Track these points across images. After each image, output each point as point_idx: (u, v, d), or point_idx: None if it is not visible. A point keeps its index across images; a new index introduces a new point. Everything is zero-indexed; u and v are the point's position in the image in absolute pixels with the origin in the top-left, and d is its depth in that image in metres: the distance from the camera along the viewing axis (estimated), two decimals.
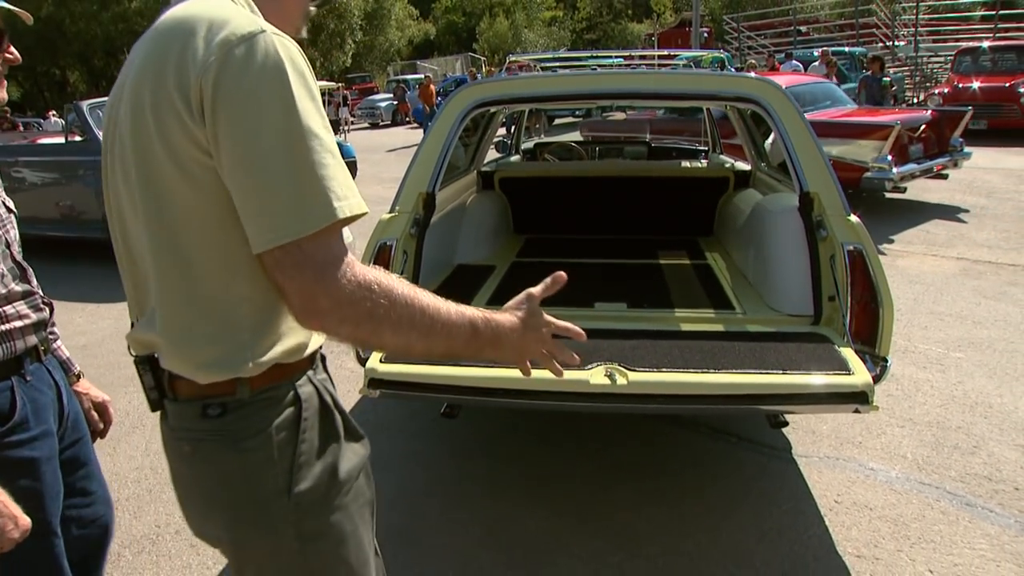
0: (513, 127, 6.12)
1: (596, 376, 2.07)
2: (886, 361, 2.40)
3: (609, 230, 4.35)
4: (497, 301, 2.95)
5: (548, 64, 4.81)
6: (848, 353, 2.16)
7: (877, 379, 2.41)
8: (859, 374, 1.99)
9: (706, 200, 4.20)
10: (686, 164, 4.20)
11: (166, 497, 2.91)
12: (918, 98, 12.70)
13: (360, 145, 14.80)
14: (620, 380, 2.04)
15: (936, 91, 10.92)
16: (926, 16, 19.32)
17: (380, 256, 2.73)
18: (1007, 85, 11.68)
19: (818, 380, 1.97)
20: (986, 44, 14.23)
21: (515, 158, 5.98)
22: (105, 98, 8.08)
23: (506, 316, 1.14)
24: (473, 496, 2.79)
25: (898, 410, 3.37)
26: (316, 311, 0.93)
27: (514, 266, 3.55)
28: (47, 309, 1.49)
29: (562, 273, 1.20)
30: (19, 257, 1.45)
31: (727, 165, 4.34)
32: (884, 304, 2.39)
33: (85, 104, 7.58)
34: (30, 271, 1.48)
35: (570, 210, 4.39)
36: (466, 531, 2.58)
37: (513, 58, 4.50)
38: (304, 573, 1.10)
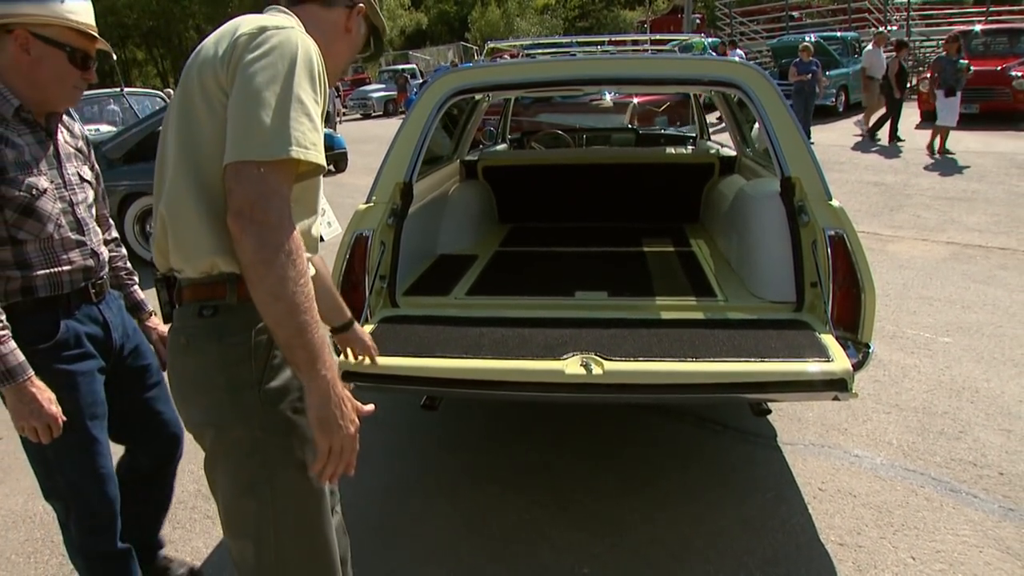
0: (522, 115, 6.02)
1: (571, 366, 2.04)
2: (868, 347, 2.38)
3: (595, 218, 4.31)
4: (479, 291, 2.91)
5: (530, 51, 4.76)
6: (828, 340, 2.13)
7: (859, 365, 2.38)
8: (839, 361, 1.96)
9: (692, 187, 4.17)
10: (671, 151, 4.17)
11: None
12: (910, 83, 12.62)
13: (352, 136, 14.71)
14: (596, 370, 2.01)
15: (928, 75, 10.86)
16: (918, 0, 19.24)
17: (357, 247, 2.69)
18: (999, 69, 11.62)
19: (796, 368, 1.94)
20: (978, 27, 14.17)
21: (502, 146, 5.94)
22: (97, 91, 7.96)
23: (342, 384, 1.24)
24: (455, 488, 2.77)
25: (884, 396, 3.36)
26: (244, 216, 1.12)
27: (497, 255, 3.52)
28: (98, 259, 1.80)
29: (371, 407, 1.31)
30: (85, 215, 1.78)
31: (712, 151, 4.30)
32: (866, 289, 2.36)
33: None
34: (92, 228, 1.80)
35: (555, 198, 4.35)
36: (447, 523, 2.56)
37: (493, 45, 4.44)
38: (263, 464, 1.29)
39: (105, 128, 7.63)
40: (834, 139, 11.50)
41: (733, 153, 4.17)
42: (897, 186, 8.23)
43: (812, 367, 1.94)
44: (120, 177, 6.83)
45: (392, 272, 2.80)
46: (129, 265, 2.10)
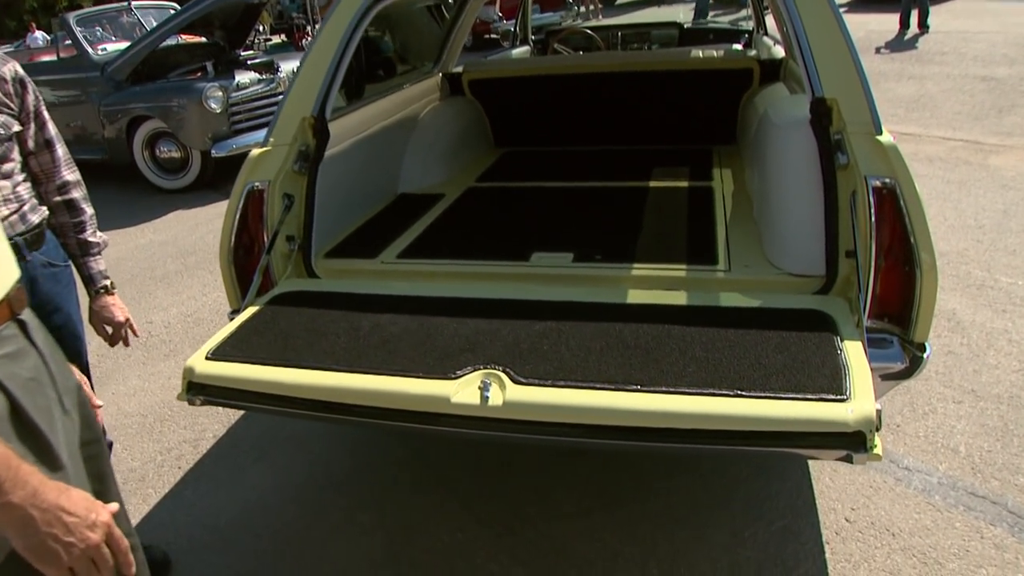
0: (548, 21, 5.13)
1: (464, 389, 1.44)
2: (923, 350, 1.66)
3: (608, 139, 3.55)
4: (416, 250, 2.30)
5: None
6: (853, 354, 1.43)
7: (908, 373, 1.68)
8: (859, 400, 1.28)
9: (727, 99, 3.31)
10: (702, 53, 3.30)
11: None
12: None
13: None
14: (493, 398, 1.40)
15: None
16: None
17: (251, 203, 2.12)
18: None
19: (785, 411, 1.27)
20: None
21: (521, 50, 5.11)
22: (104, 6, 7.50)
23: (55, 485, 0.94)
24: (386, 494, 2.29)
25: (958, 376, 2.59)
26: None
27: (467, 195, 2.87)
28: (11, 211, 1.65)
29: None
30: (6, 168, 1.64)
31: (752, 53, 3.38)
32: (923, 266, 1.62)
33: (71, 16, 7.07)
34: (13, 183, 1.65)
35: (557, 117, 3.59)
36: (369, 539, 2.10)
37: None
38: None
39: (113, 47, 7.19)
40: (939, 22, 9.76)
41: (782, 54, 3.25)
42: (1011, 81, 6.82)
43: (810, 410, 1.26)
44: (126, 99, 6.45)
45: (306, 232, 2.23)
46: (90, 230, 1.87)
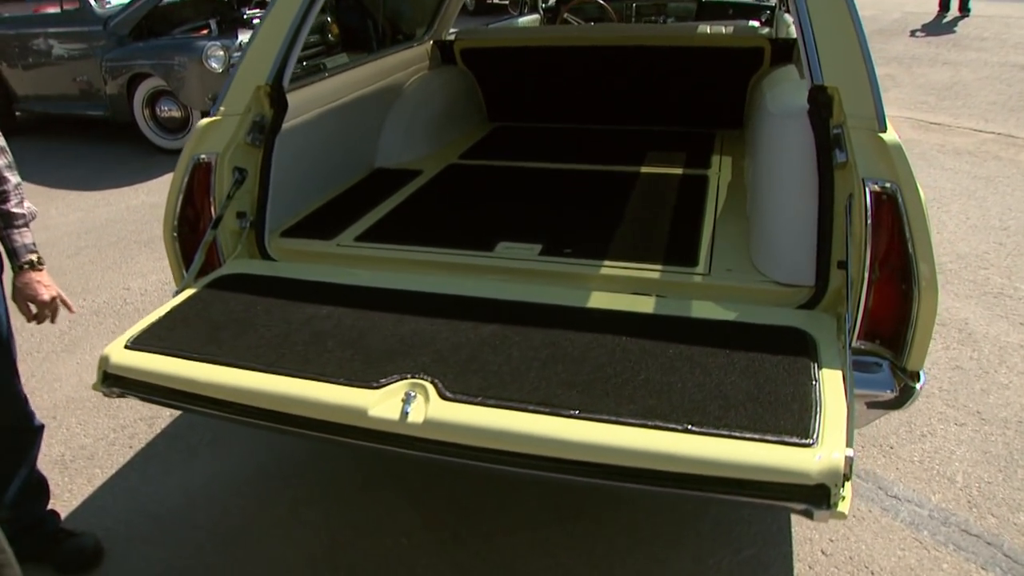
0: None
1: (385, 401, 1.29)
2: (917, 379, 1.47)
3: (607, 118, 3.33)
4: (376, 233, 2.13)
5: None
6: (831, 386, 1.24)
7: (897, 403, 1.50)
8: (827, 446, 1.10)
9: (735, 80, 3.07)
10: (707, 30, 3.06)
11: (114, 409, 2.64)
12: None
13: None
14: (414, 414, 1.25)
15: None
16: None
17: (197, 176, 1.96)
18: None
19: (739, 454, 1.10)
20: None
21: (530, 18, 4.85)
22: None
23: None
24: (336, 489, 2.16)
25: (963, 394, 2.39)
26: None
27: (445, 172, 2.68)
28: None
29: None
30: None
31: (765, 32, 3.13)
32: (922, 285, 1.42)
33: None
34: None
35: (557, 92, 3.37)
36: (311, 538, 1.98)
37: None
38: None
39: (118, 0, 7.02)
40: (981, 6, 9.26)
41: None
42: None
43: (768, 455, 1.09)
44: (128, 56, 6.29)
45: (259, 208, 2.07)
46: (13, 201, 1.71)
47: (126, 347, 1.57)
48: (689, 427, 1.15)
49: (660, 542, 1.87)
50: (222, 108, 2.01)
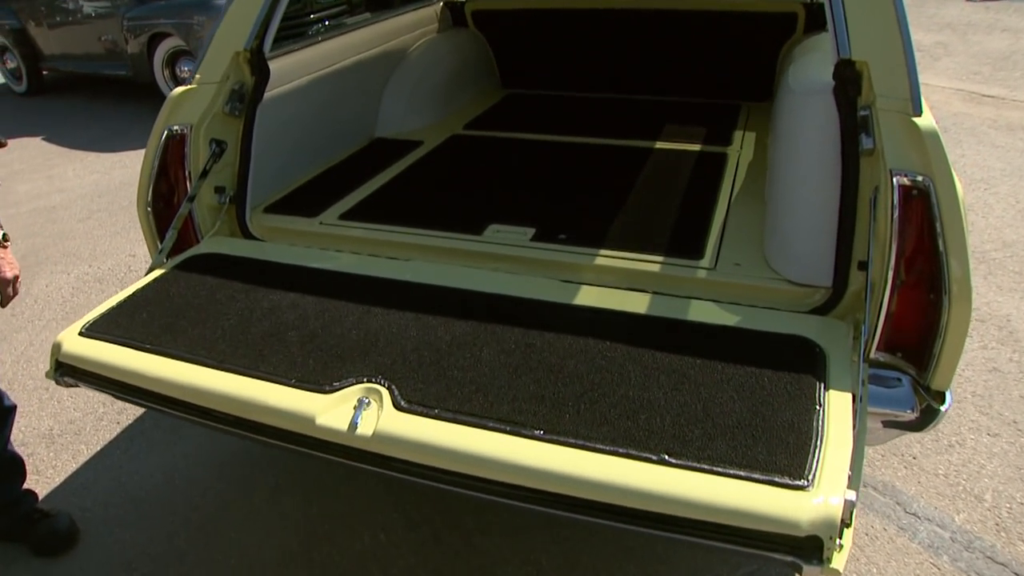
0: None
1: (336, 408, 1.17)
2: (942, 400, 1.30)
3: (627, 87, 3.12)
4: (363, 211, 2.00)
5: None
6: (837, 413, 1.08)
7: (918, 425, 1.33)
8: (824, 488, 0.94)
9: (765, 48, 2.83)
10: None
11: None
12: None
13: None
14: (363, 426, 1.12)
15: None
16: None
17: (171, 149, 1.84)
18: None
19: (720, 495, 0.95)
20: None
21: None
22: None
23: None
24: (318, 478, 2.08)
25: (999, 401, 2.19)
26: None
27: (447, 144, 2.53)
28: None
29: None
30: None
31: None
32: (953, 292, 1.24)
33: None
34: None
35: (575, 58, 3.17)
36: (287, 529, 1.90)
37: None
38: None
39: None
40: None
41: None
42: None
43: (753, 498, 0.94)
44: (149, 14, 6.19)
45: (240, 183, 1.95)
46: None
47: (80, 334, 1.47)
48: (666, 458, 1.01)
49: (650, 555, 1.74)
50: (197, 76, 1.88)
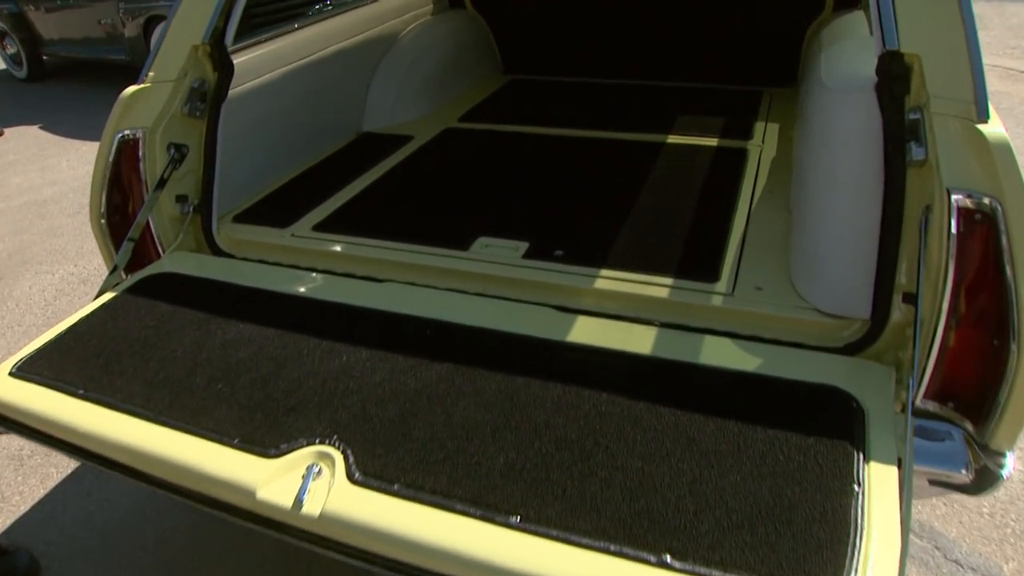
0: None
1: (281, 477, 0.99)
2: (1003, 459, 1.10)
3: (639, 72, 2.89)
4: (340, 220, 1.81)
5: None
6: (880, 498, 0.88)
7: (974, 489, 1.13)
8: None
9: (789, 28, 2.58)
10: None
11: None
12: None
13: None
14: (309, 504, 0.94)
15: None
16: None
17: (124, 156, 1.66)
18: None
19: None
20: None
21: None
22: None
23: None
24: None
25: None
26: None
27: (441, 137, 2.32)
28: None
29: None
30: None
31: None
32: (1023, 337, 1.03)
33: None
34: None
35: (583, 42, 2.93)
36: (243, 558, 1.75)
37: None
38: None
39: None
40: None
41: None
42: None
43: None
44: None
45: (204, 190, 1.76)
46: None
47: (10, 375, 1.31)
48: (667, 560, 0.82)
49: None
50: (151, 74, 1.68)
